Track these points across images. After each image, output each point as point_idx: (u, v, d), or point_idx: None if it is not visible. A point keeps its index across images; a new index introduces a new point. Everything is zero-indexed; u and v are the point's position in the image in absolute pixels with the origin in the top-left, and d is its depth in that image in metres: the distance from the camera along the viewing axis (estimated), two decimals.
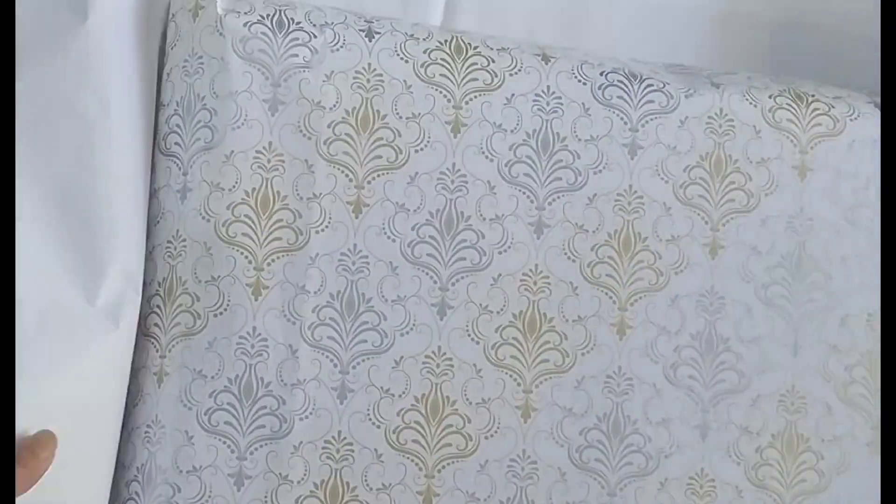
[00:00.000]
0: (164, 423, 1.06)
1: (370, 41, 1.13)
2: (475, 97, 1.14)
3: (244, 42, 1.10)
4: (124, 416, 1.07)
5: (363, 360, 1.10)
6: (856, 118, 1.20)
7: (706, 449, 1.13)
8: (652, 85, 1.17)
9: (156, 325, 1.07)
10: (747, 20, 1.29)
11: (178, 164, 1.10)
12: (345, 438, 1.09)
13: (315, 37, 1.11)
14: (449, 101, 1.14)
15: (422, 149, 1.13)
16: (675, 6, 1.29)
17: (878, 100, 1.22)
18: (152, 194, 1.10)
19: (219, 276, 1.08)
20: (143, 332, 1.08)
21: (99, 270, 1.03)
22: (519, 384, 1.12)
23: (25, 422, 0.96)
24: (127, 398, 1.07)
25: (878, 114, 1.20)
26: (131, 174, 1.07)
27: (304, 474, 1.08)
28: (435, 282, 1.12)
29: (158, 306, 1.08)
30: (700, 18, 1.29)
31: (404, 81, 1.13)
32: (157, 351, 1.07)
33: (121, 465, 1.06)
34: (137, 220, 1.07)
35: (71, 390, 1.00)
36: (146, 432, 1.06)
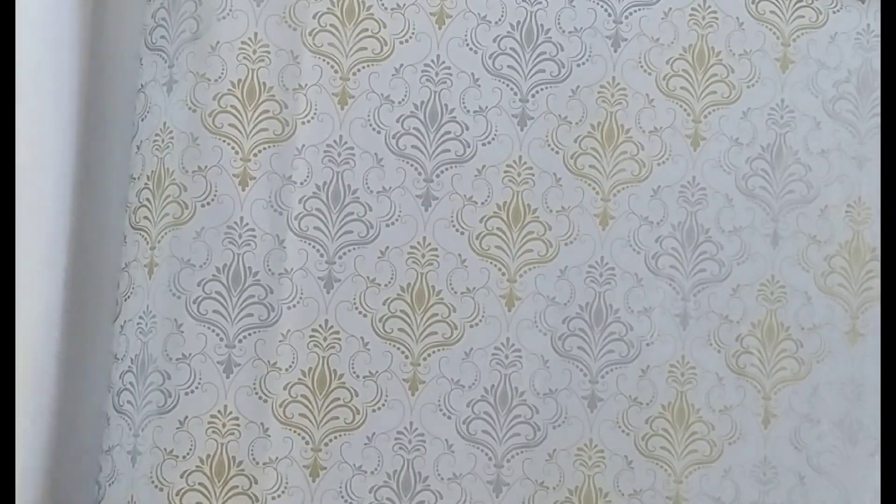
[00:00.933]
0: (154, 314, 1.08)
1: None
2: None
3: None
4: (117, 309, 1.09)
5: (349, 251, 1.11)
6: (838, 10, 1.20)
7: (687, 337, 1.15)
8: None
9: (145, 217, 1.09)
10: None
11: (163, 57, 1.10)
12: (332, 327, 1.11)
13: None
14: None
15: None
16: None
17: None
18: (140, 90, 1.11)
19: (206, 167, 1.09)
20: (133, 226, 1.09)
21: None
22: (503, 273, 1.13)
23: None
24: (118, 291, 1.09)
25: (861, 6, 1.21)
26: None
27: (292, 362, 1.10)
28: (420, 173, 1.13)
29: (147, 199, 1.09)
30: None
31: None
32: (148, 243, 1.08)
33: (115, 358, 1.08)
34: None
35: None
36: (138, 323, 1.08)
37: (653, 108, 1.17)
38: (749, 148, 1.18)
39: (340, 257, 1.11)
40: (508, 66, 1.15)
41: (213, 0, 1.10)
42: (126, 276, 1.09)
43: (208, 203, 1.10)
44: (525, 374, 1.13)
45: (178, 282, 1.09)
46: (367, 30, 1.13)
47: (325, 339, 1.11)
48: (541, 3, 1.16)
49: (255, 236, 1.10)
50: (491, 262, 1.13)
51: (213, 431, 1.07)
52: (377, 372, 1.11)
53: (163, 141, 1.10)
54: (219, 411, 1.07)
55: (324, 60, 1.12)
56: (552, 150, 1.15)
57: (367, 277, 1.11)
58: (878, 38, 1.20)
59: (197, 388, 1.08)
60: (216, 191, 1.09)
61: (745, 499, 1.15)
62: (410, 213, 1.13)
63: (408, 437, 1.11)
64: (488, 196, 1.14)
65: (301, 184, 1.11)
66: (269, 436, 1.07)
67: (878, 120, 1.20)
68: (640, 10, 1.17)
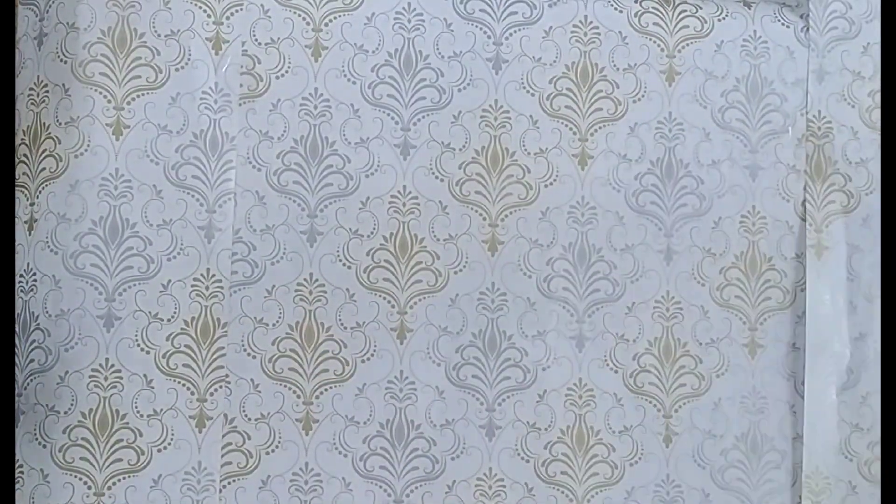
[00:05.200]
0: (34, 271, 1.07)
1: None
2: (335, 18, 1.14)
3: None
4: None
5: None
6: (724, 18, 1.19)
7: (584, 359, 1.14)
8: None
9: (24, 173, 1.08)
10: None
11: (34, 11, 1.10)
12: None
13: None
14: (308, 23, 1.13)
15: (283, 75, 1.12)
16: None
17: None
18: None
19: (78, 117, 1.08)
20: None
21: None
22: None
23: None
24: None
25: (748, 12, 1.19)
26: None
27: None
28: (304, 208, 1.12)
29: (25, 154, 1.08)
30: None
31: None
32: (27, 199, 1.07)
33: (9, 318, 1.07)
34: None
35: None
36: (20, 281, 1.07)
37: (537, 129, 1.15)
38: (638, 164, 1.17)
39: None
40: (388, 95, 1.13)
41: None
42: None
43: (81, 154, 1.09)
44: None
45: (56, 237, 1.08)
46: (241, 65, 1.11)
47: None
48: (418, 29, 1.14)
49: (131, 188, 1.09)
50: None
51: (96, 385, 1.06)
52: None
53: (38, 95, 1.09)
54: (100, 364, 1.06)
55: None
56: (437, 178, 1.13)
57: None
58: (766, 45, 1.19)
59: (77, 343, 1.07)
60: (89, 142, 1.08)
61: None
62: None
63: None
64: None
65: (178, 134, 1.10)
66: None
67: (769, 127, 1.18)
68: (520, 30, 1.16)
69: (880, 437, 1.14)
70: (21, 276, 1.07)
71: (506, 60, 1.15)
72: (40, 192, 1.07)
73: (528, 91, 1.15)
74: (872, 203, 1.17)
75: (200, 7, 1.10)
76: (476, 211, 1.13)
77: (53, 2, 1.09)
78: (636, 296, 1.15)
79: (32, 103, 1.09)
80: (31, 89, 1.09)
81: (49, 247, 1.06)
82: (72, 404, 1.06)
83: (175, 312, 1.08)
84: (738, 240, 1.17)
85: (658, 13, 1.18)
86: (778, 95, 1.19)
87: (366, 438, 1.11)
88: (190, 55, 1.10)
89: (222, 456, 1.08)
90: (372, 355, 1.11)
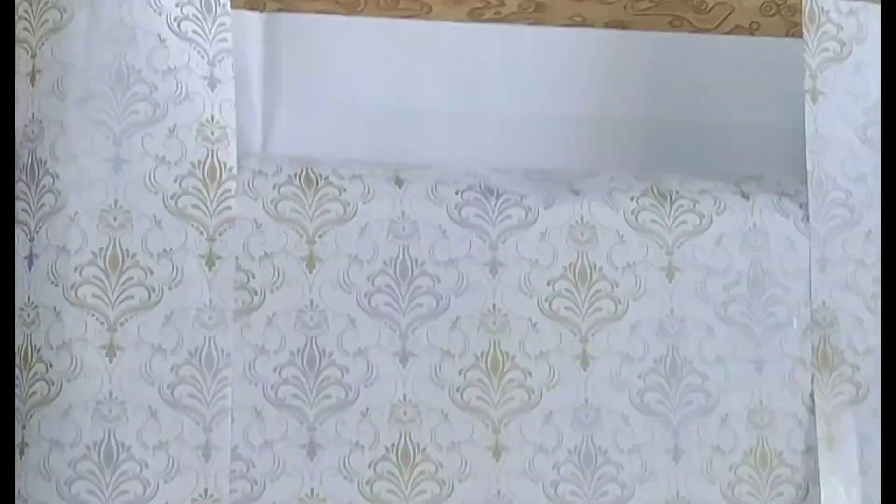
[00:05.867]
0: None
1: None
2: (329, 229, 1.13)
3: None
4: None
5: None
6: (722, 212, 1.18)
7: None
8: (509, 199, 1.16)
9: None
10: (617, 123, 1.27)
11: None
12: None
13: None
14: (302, 235, 1.13)
15: (277, 289, 1.12)
16: (548, 115, 1.27)
17: (746, 188, 1.20)
18: None
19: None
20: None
21: None
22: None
23: None
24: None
25: (746, 204, 1.19)
26: None
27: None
28: (302, 423, 1.11)
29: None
30: (571, 123, 1.27)
31: (254, 220, 1.12)
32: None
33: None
34: None
35: None
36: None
37: (537, 331, 1.14)
38: (641, 363, 1.15)
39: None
40: (385, 304, 1.13)
41: None
42: None
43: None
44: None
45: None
46: (235, 280, 1.11)
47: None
48: (413, 237, 1.14)
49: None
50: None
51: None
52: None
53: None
54: None
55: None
56: (437, 385, 1.12)
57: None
58: (767, 237, 1.18)
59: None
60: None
61: None
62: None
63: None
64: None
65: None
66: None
67: (773, 320, 1.17)
68: (515, 233, 1.15)
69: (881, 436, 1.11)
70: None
71: (502, 264, 1.15)
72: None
73: (526, 294, 1.15)
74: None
75: (193, 225, 1.10)
76: (479, 418, 1.12)
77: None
78: (645, 496, 1.13)
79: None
80: None
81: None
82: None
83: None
84: (746, 436, 1.15)
85: (655, 210, 1.17)
86: (781, 287, 1.18)
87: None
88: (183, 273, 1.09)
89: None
90: None
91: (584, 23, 1.26)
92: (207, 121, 1.11)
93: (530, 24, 1.27)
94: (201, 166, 1.10)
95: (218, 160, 1.11)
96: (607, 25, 1.26)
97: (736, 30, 1.28)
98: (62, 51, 1.10)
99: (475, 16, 1.25)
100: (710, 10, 1.27)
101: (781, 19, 1.27)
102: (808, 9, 1.20)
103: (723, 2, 1.27)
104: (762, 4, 1.27)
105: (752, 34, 1.28)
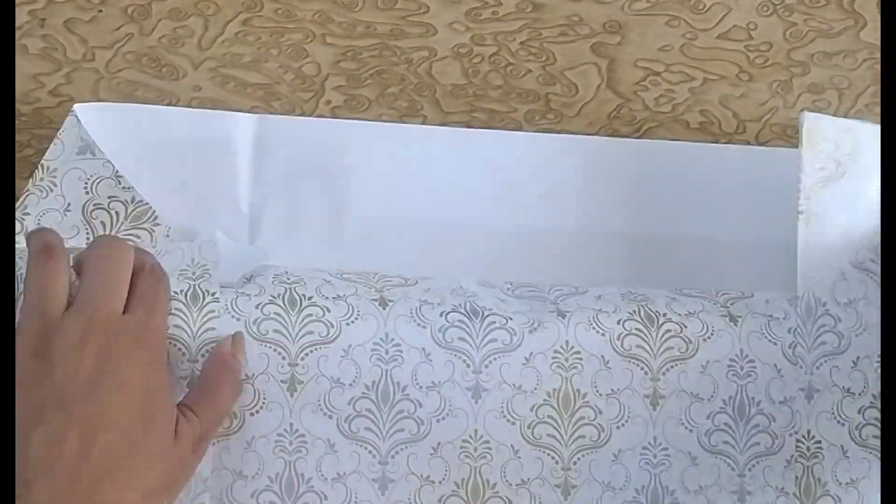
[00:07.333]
0: None
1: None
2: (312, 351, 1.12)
3: None
4: None
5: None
6: (709, 337, 1.17)
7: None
8: (494, 322, 1.14)
9: None
10: (605, 237, 1.26)
11: None
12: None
13: None
14: (284, 358, 1.11)
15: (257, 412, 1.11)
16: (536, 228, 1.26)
17: (734, 309, 1.18)
18: None
19: None
20: None
21: None
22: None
23: None
24: None
25: (733, 329, 1.17)
26: None
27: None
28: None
29: None
30: (557, 237, 1.26)
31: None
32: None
33: None
34: None
35: None
36: None
37: (518, 459, 1.13)
38: (622, 492, 1.14)
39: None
40: (366, 429, 1.12)
41: None
42: None
43: None
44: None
45: None
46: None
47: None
48: (396, 360, 1.13)
49: None
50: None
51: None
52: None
53: None
54: None
55: None
56: None
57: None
58: (753, 364, 1.17)
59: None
60: None
61: None
62: None
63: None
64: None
65: None
66: None
67: (757, 449, 1.16)
68: (499, 357, 1.14)
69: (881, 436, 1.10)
70: None
71: (485, 389, 1.13)
72: None
73: (508, 420, 1.13)
74: None
75: (177, 347, 1.08)
76: None
77: None
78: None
79: None
80: None
81: None
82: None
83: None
84: None
85: (641, 335, 1.16)
86: (766, 416, 1.16)
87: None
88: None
89: None
90: None
91: (581, 22, 1.25)
92: None
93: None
94: None
95: None
96: (605, 25, 1.24)
97: (733, 31, 1.26)
98: None
99: (473, 16, 1.23)
100: (707, 10, 1.25)
101: (779, 19, 1.25)
102: (805, 127, 1.18)
103: (720, 1, 1.25)
104: (759, 4, 1.26)
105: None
